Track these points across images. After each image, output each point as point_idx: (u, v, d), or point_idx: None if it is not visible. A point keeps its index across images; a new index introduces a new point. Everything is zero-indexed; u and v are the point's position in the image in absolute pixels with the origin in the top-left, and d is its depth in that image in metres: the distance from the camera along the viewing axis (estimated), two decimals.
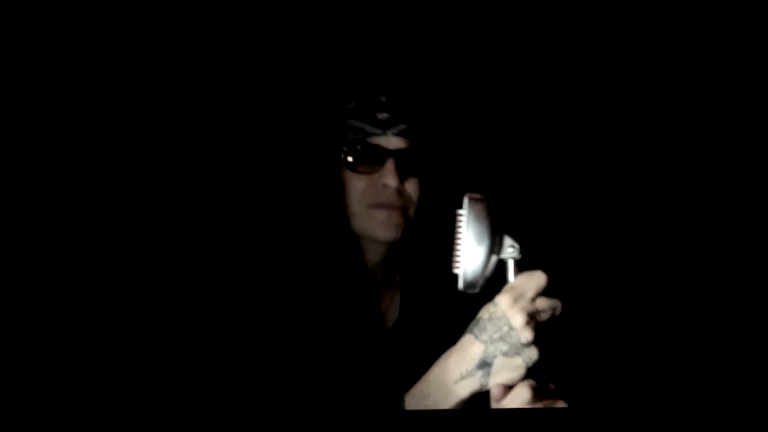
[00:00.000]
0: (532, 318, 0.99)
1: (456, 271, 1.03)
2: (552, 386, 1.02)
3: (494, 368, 0.99)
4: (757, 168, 1.39)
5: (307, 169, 1.27)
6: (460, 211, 1.04)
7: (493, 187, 1.06)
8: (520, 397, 0.97)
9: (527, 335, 0.98)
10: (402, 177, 1.25)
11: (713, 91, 1.41)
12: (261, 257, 1.26)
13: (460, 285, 1.03)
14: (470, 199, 1.04)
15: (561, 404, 1.00)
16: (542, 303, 1.01)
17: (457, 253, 1.03)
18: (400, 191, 1.25)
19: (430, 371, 1.04)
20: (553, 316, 1.02)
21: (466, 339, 1.02)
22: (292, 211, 1.28)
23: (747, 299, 1.38)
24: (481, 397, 1.01)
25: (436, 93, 1.42)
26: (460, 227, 1.03)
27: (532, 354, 0.98)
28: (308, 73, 1.46)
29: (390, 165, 1.24)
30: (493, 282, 1.03)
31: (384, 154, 1.25)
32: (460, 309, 1.08)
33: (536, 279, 1.01)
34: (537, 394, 0.98)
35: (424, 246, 1.30)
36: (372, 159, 1.25)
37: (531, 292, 1.00)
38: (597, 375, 1.31)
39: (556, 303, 1.01)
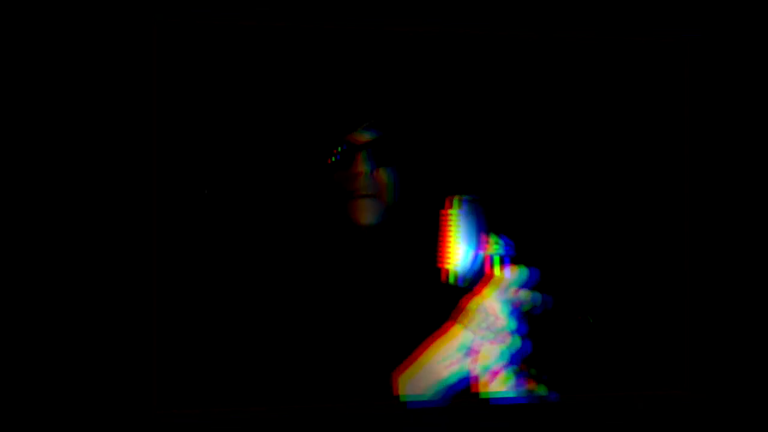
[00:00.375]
0: (515, 308, 1.07)
1: (445, 266, 1.10)
2: (534, 371, 1.09)
3: (481, 354, 1.07)
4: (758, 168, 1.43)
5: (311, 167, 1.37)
6: (451, 211, 1.10)
7: (483, 187, 1.13)
8: (506, 381, 1.06)
9: (510, 324, 1.06)
10: (371, 165, 1.31)
11: (697, 94, 1.46)
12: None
13: (450, 279, 1.10)
14: (460, 198, 1.10)
15: (544, 389, 1.08)
16: (524, 295, 1.08)
17: (447, 249, 1.10)
18: (371, 178, 1.31)
19: (420, 358, 1.11)
20: (537, 309, 1.09)
21: (454, 328, 1.10)
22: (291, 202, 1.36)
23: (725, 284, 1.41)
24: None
25: (401, 86, 1.49)
26: (450, 225, 1.10)
27: (515, 342, 1.07)
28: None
29: (362, 156, 1.31)
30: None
31: (356, 146, 1.31)
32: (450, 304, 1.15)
33: (518, 272, 1.09)
34: (522, 378, 1.06)
35: (405, 228, 1.38)
36: (349, 152, 1.32)
37: (514, 285, 1.08)
38: (585, 364, 1.36)
39: (537, 295, 1.09)
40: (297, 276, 1.31)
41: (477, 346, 1.08)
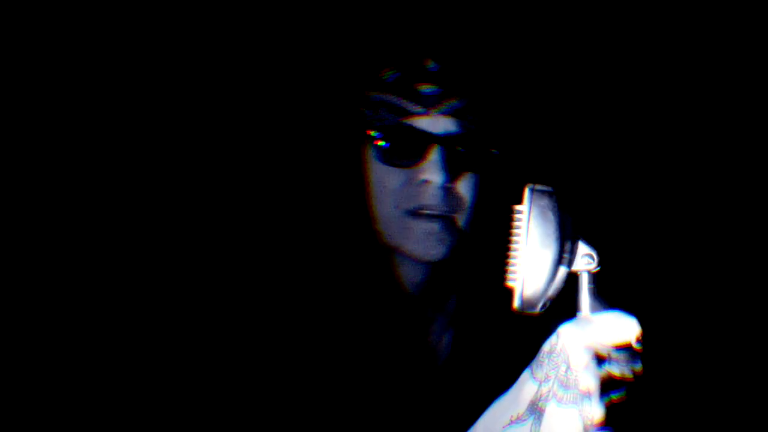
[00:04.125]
0: (600, 364, 0.75)
1: (511, 284, 0.79)
2: None
3: (546, 417, 0.75)
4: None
5: (321, 161, 1.01)
6: (519, 207, 0.79)
7: (565, 179, 0.81)
8: None
9: (588, 384, 0.73)
10: (452, 172, 0.98)
11: None
12: (269, 278, 0.99)
13: (517, 303, 0.79)
14: (534, 191, 0.79)
15: None
16: (621, 356, 0.76)
17: (514, 261, 0.79)
18: (448, 192, 0.98)
19: (481, 416, 0.81)
20: (628, 380, 0.76)
21: (523, 376, 0.79)
22: (303, 220, 1.02)
23: None
24: None
25: (504, 57, 1.15)
26: (519, 228, 0.79)
27: (593, 412, 0.73)
28: (323, 26, 1.25)
29: (435, 155, 0.97)
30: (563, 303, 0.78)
31: (427, 140, 0.97)
32: (524, 341, 0.83)
33: (626, 325, 0.75)
34: None
35: (482, 264, 1.02)
36: (411, 147, 0.97)
37: (612, 338, 0.75)
38: None
39: (638, 366, 0.76)
40: (329, 317, 0.98)
41: (543, 404, 0.75)
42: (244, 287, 1.00)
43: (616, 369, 0.75)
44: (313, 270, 1.01)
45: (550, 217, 0.78)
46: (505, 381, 0.81)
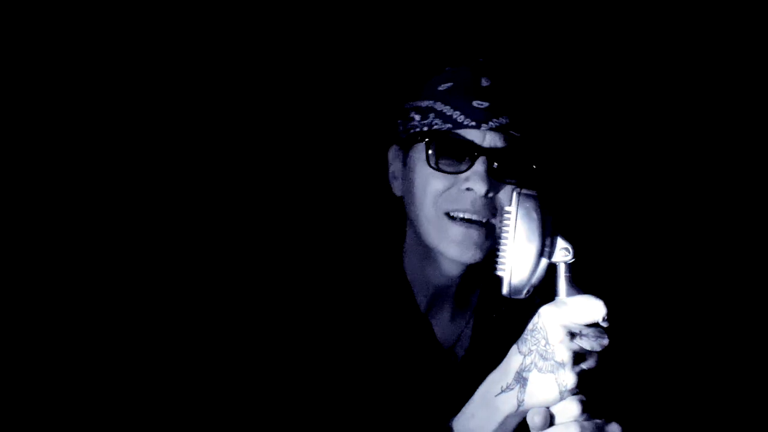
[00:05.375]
0: (573, 338, 0.88)
1: (500, 273, 0.92)
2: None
3: (529, 384, 0.88)
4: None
5: (375, 160, 1.10)
6: (508, 208, 0.93)
7: (546, 183, 0.94)
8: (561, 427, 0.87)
9: (562, 355, 0.87)
10: (493, 183, 1.04)
11: None
12: (309, 271, 1.07)
13: (505, 289, 0.92)
14: (520, 194, 0.92)
15: (614, 427, 0.89)
16: (590, 332, 0.89)
17: (503, 254, 0.92)
18: (488, 201, 1.05)
19: (477, 389, 0.94)
20: (598, 352, 0.89)
21: (511, 350, 0.92)
22: (344, 216, 1.12)
23: None
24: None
25: (552, 81, 1.21)
26: (507, 226, 0.92)
27: (567, 379, 0.86)
28: (389, 32, 1.27)
29: (480, 166, 1.03)
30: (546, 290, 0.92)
31: (475, 151, 1.03)
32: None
33: (595, 307, 0.87)
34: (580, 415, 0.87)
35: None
36: (459, 156, 1.03)
37: (583, 318, 0.88)
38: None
39: (604, 339, 0.88)
40: (361, 308, 1.07)
41: (526, 373, 0.89)
42: (290, 276, 1.09)
43: (586, 343, 0.88)
44: (350, 265, 1.10)
45: (534, 216, 0.91)
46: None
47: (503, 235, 0.92)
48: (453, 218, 1.06)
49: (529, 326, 0.90)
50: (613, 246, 1.22)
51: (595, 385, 0.89)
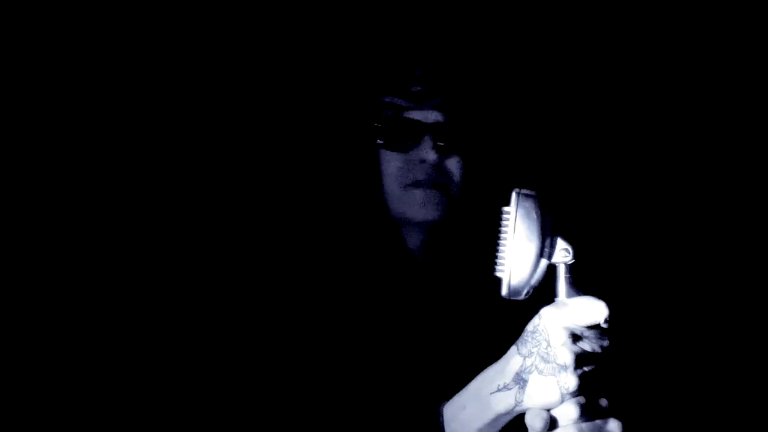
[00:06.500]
0: (575, 341, 0.87)
1: (499, 274, 0.91)
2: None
3: (529, 386, 0.87)
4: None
5: (339, 151, 1.20)
6: (507, 209, 0.91)
7: (546, 183, 0.93)
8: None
9: (565, 358, 0.86)
10: (441, 153, 1.21)
11: None
12: (291, 246, 1.20)
13: (504, 291, 0.91)
14: (519, 194, 0.91)
15: (614, 424, 0.88)
16: (592, 334, 0.88)
17: (502, 254, 0.91)
18: (439, 168, 1.21)
19: (471, 382, 0.93)
20: (599, 354, 0.88)
21: (509, 351, 0.91)
22: (324, 197, 1.20)
23: None
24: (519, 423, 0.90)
25: (478, 59, 1.34)
26: (506, 225, 0.91)
27: (568, 381, 0.85)
28: (336, 47, 1.39)
29: (427, 140, 1.19)
30: (543, 290, 0.90)
31: (420, 129, 1.20)
32: (503, 308, 0.96)
33: (596, 309, 0.87)
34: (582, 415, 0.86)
35: (469, 230, 1.24)
36: (408, 135, 1.20)
37: (585, 320, 0.87)
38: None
39: (605, 341, 0.88)
40: (340, 276, 1.13)
41: (526, 375, 0.88)
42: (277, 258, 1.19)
43: (588, 345, 0.87)
44: (331, 239, 1.22)
45: (533, 216, 0.90)
46: (493, 352, 0.93)
47: (502, 235, 0.91)
48: (414, 186, 1.20)
49: (529, 327, 0.89)
50: (614, 247, 1.22)
51: (595, 387, 0.88)
